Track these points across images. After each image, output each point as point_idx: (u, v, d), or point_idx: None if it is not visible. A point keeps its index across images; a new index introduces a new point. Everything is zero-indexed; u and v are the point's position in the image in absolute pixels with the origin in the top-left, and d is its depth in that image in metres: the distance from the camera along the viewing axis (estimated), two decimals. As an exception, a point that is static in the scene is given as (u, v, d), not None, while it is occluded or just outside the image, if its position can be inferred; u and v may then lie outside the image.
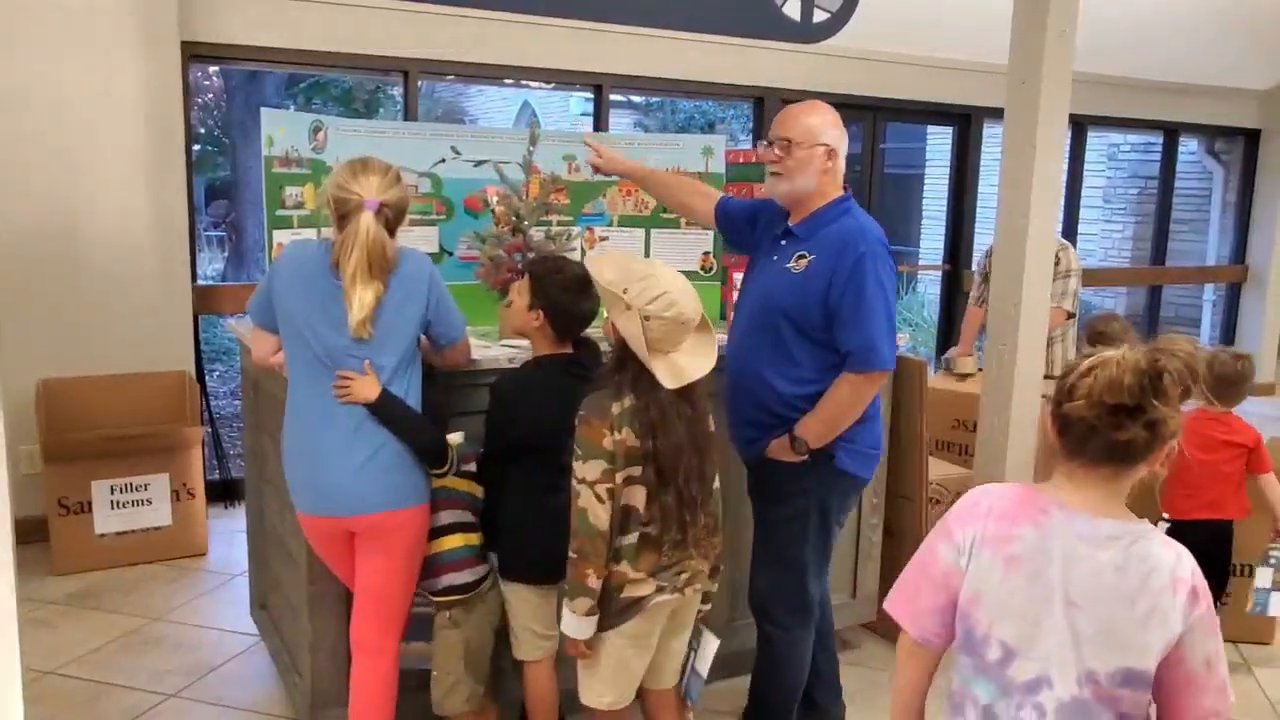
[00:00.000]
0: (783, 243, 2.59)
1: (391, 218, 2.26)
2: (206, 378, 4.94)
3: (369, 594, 2.39)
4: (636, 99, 14.11)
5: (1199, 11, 6.97)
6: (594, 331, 2.54)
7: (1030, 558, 1.47)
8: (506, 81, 5.94)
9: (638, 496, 2.17)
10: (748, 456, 2.67)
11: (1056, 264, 4.61)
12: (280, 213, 2.66)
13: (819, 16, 5.99)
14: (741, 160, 3.52)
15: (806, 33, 6.00)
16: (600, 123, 5.75)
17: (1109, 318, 4.39)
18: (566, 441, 2.27)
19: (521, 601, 2.51)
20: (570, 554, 2.18)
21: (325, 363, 2.28)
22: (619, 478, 2.16)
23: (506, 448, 2.43)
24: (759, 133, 6.26)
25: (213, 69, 12.04)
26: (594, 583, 2.16)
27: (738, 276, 3.25)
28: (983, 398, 3.79)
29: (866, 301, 2.40)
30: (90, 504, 4.06)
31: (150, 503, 4.18)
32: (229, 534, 4.51)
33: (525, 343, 2.88)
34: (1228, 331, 8.71)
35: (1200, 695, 1.42)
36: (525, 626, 2.52)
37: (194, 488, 4.28)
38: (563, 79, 5.66)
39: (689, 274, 3.28)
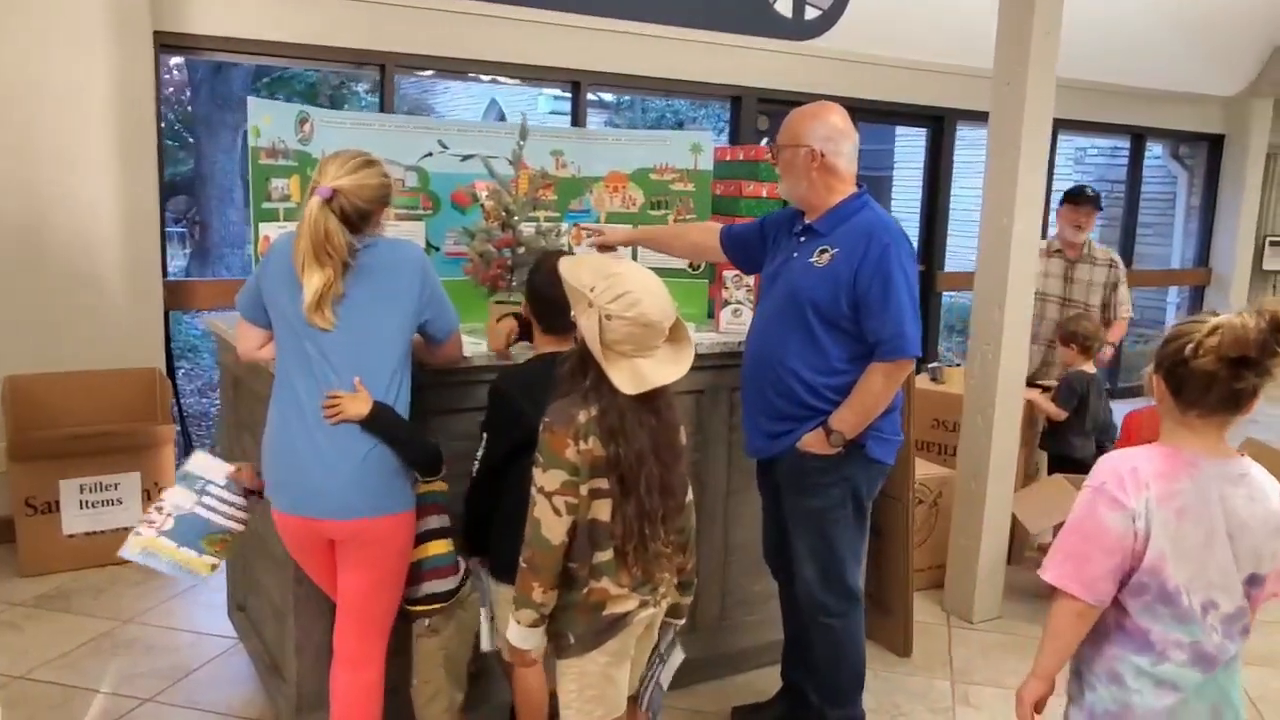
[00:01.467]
0: (802, 239, 2.65)
1: (348, 206, 2.20)
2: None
3: (352, 605, 2.32)
4: (607, 97, 14.11)
5: (1166, 20, 7.06)
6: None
7: (1194, 507, 1.72)
8: (484, 77, 5.87)
9: (605, 510, 2.08)
10: (774, 450, 2.68)
11: (1112, 266, 4.67)
12: (266, 205, 2.60)
13: (810, 14, 5.99)
14: (729, 158, 3.50)
15: (798, 30, 6.00)
16: (578, 119, 5.71)
17: (1080, 318, 4.44)
18: None
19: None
20: (520, 563, 2.10)
21: (314, 357, 2.23)
22: (584, 489, 2.06)
23: (510, 448, 2.38)
24: (735, 132, 6.26)
25: (175, 61, 11.85)
26: (539, 596, 2.08)
27: (726, 274, 3.23)
28: (966, 397, 3.81)
29: (893, 291, 2.47)
30: (58, 504, 3.96)
31: (120, 502, 4.09)
32: (200, 534, 4.42)
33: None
34: (1191, 333, 8.84)
35: (1276, 581, 1.79)
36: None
37: (165, 486, 4.17)
38: (540, 75, 5.62)
39: (676, 271, 3.27)
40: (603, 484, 2.05)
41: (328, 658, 2.50)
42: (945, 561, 3.97)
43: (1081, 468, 4.43)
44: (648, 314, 2.00)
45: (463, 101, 17.22)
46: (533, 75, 5.62)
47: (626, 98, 12.65)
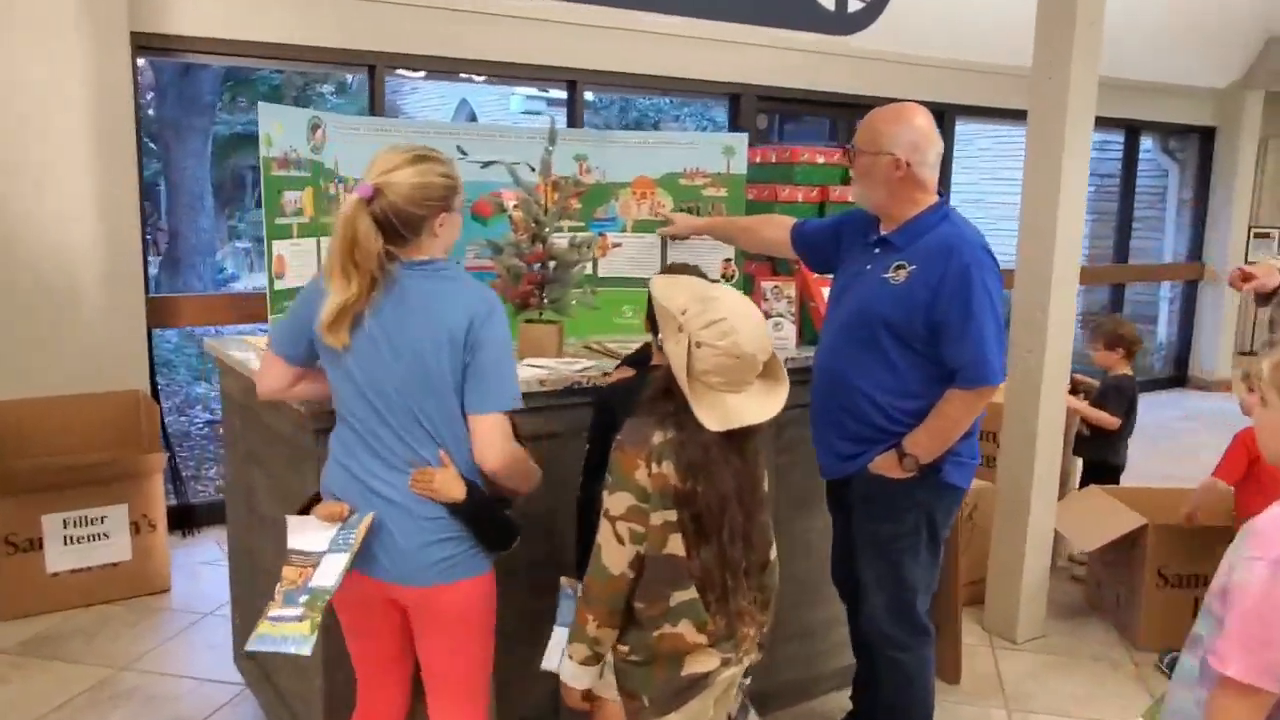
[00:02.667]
0: (876, 251, 2.47)
1: (389, 209, 1.85)
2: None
3: (439, 678, 2.06)
4: (561, 94, 13.88)
5: (1157, 11, 6.96)
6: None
7: None
8: (473, 77, 5.63)
9: (680, 546, 1.87)
10: (846, 471, 2.52)
11: None
12: (280, 221, 2.36)
13: (854, 6, 5.84)
14: (760, 160, 3.30)
15: (841, 23, 5.86)
16: (574, 120, 5.49)
17: (1120, 320, 4.35)
18: None
19: None
20: (580, 590, 1.94)
21: (375, 405, 1.92)
22: (656, 519, 1.86)
23: (600, 459, 2.16)
24: (734, 128, 6.07)
25: (139, 63, 11.48)
26: (594, 630, 1.90)
27: (765, 285, 3.04)
28: (1007, 405, 3.64)
29: (974, 314, 2.29)
30: (40, 540, 3.68)
31: (107, 536, 3.81)
32: (191, 567, 4.17)
33: (551, 361, 2.64)
34: (1184, 329, 8.79)
35: None
36: None
37: (155, 519, 3.92)
38: (537, 75, 5.39)
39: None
40: (674, 516, 1.86)
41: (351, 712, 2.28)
42: (983, 577, 3.80)
43: (1117, 473, 4.29)
44: (741, 345, 1.81)
45: (432, 102, 16.90)
46: (529, 75, 5.40)
47: (604, 97, 12.44)
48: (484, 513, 1.97)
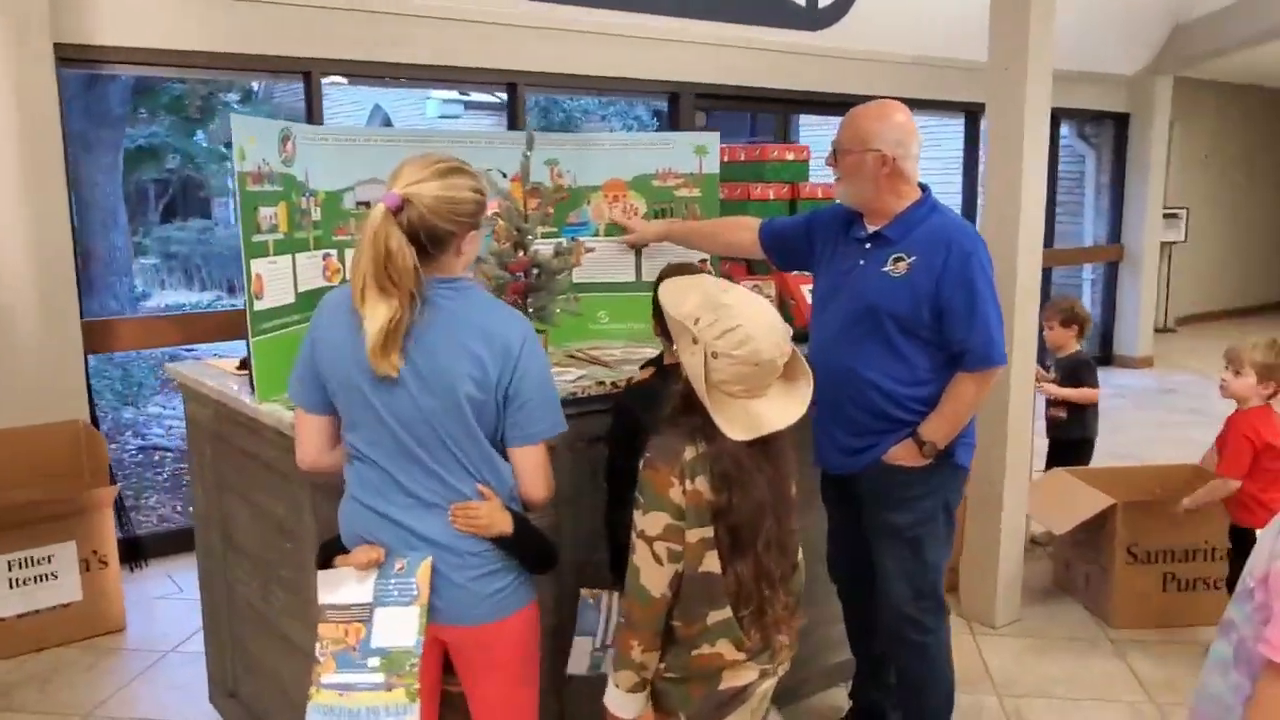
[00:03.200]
0: (867, 246, 2.48)
1: (419, 223, 1.73)
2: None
3: (496, 716, 1.96)
4: (498, 98, 13.70)
5: (1072, 2, 7.14)
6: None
7: None
8: (401, 81, 5.50)
9: (717, 563, 1.83)
10: (856, 466, 2.52)
11: None
12: (256, 238, 2.24)
13: (824, 2, 5.85)
14: (729, 159, 3.27)
15: (812, 20, 5.87)
16: (516, 124, 5.39)
17: (1074, 300, 4.47)
18: None
19: None
20: (619, 617, 1.89)
21: (404, 439, 1.79)
22: (692, 536, 1.81)
23: (625, 462, 2.13)
24: (672, 127, 6.05)
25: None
26: (639, 655, 1.84)
27: (744, 284, 3.00)
28: (976, 396, 3.67)
29: (978, 298, 2.36)
30: (-17, 585, 3.47)
31: (55, 576, 3.61)
32: (145, 603, 3.97)
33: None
34: (1107, 309, 9.06)
35: None
36: None
37: (106, 555, 3.72)
38: (476, 78, 5.28)
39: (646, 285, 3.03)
40: (710, 532, 1.81)
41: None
42: (956, 565, 3.84)
43: (1092, 446, 4.38)
44: (761, 352, 1.77)
45: (345, 108, 16.54)
46: (469, 78, 5.29)
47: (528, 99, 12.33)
48: (531, 540, 1.89)
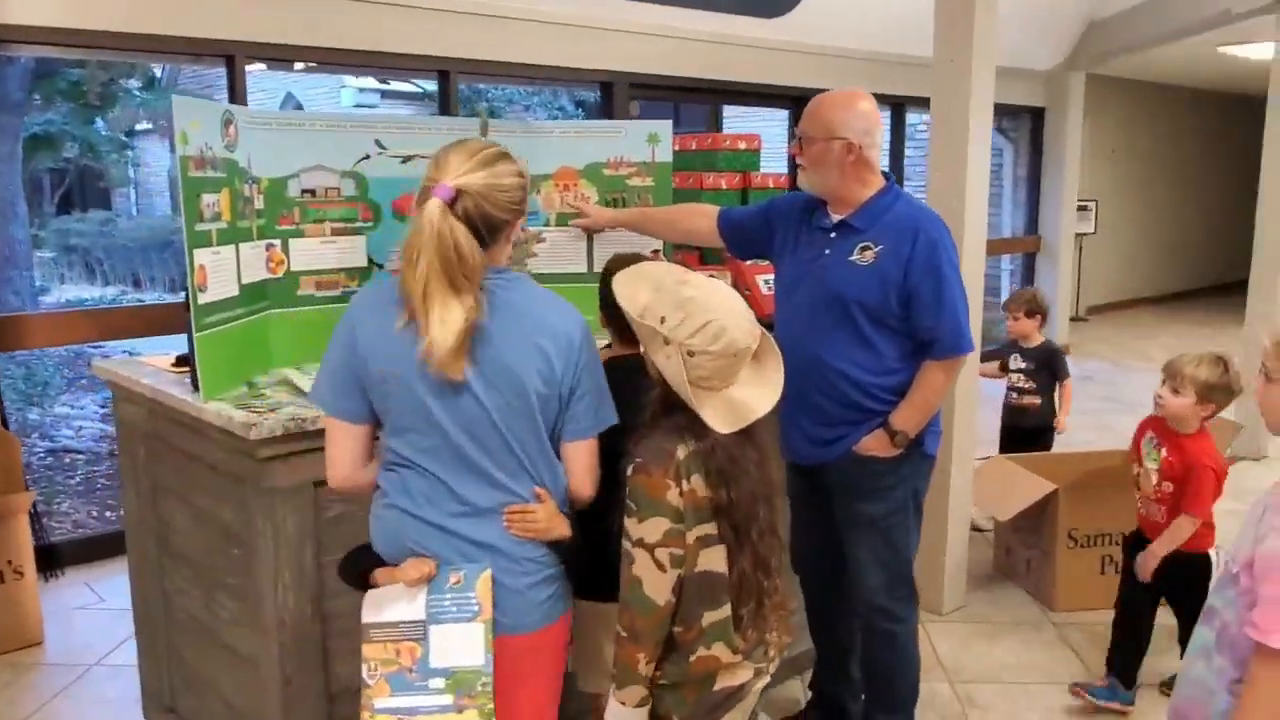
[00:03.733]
0: (833, 235, 2.45)
1: (476, 214, 1.64)
2: None
3: None
4: (419, 87, 13.40)
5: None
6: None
7: None
8: (371, 70, 5.32)
9: (718, 560, 1.78)
10: (826, 457, 2.49)
11: None
12: (199, 227, 2.11)
13: None
14: (680, 148, 3.22)
15: (771, 7, 5.80)
16: (448, 112, 5.26)
17: (1036, 291, 4.60)
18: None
19: (598, 617, 2.18)
20: (619, 632, 1.78)
21: (459, 441, 1.69)
22: (691, 537, 1.75)
23: None
24: (607, 118, 5.98)
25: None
26: (644, 668, 1.77)
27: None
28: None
29: (946, 286, 2.35)
30: (-113, 601, 3.24)
31: (-34, 589, 3.39)
32: (63, 614, 3.76)
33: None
34: (1025, 298, 9.28)
35: None
36: (606, 644, 2.17)
37: (21, 565, 3.50)
38: (408, 65, 5.13)
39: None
40: (710, 529, 1.75)
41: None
42: (902, 554, 3.87)
43: (1050, 436, 4.46)
44: (737, 342, 1.72)
45: (256, 96, 16.01)
46: (400, 65, 5.14)
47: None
48: (579, 548, 1.82)
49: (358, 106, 14.70)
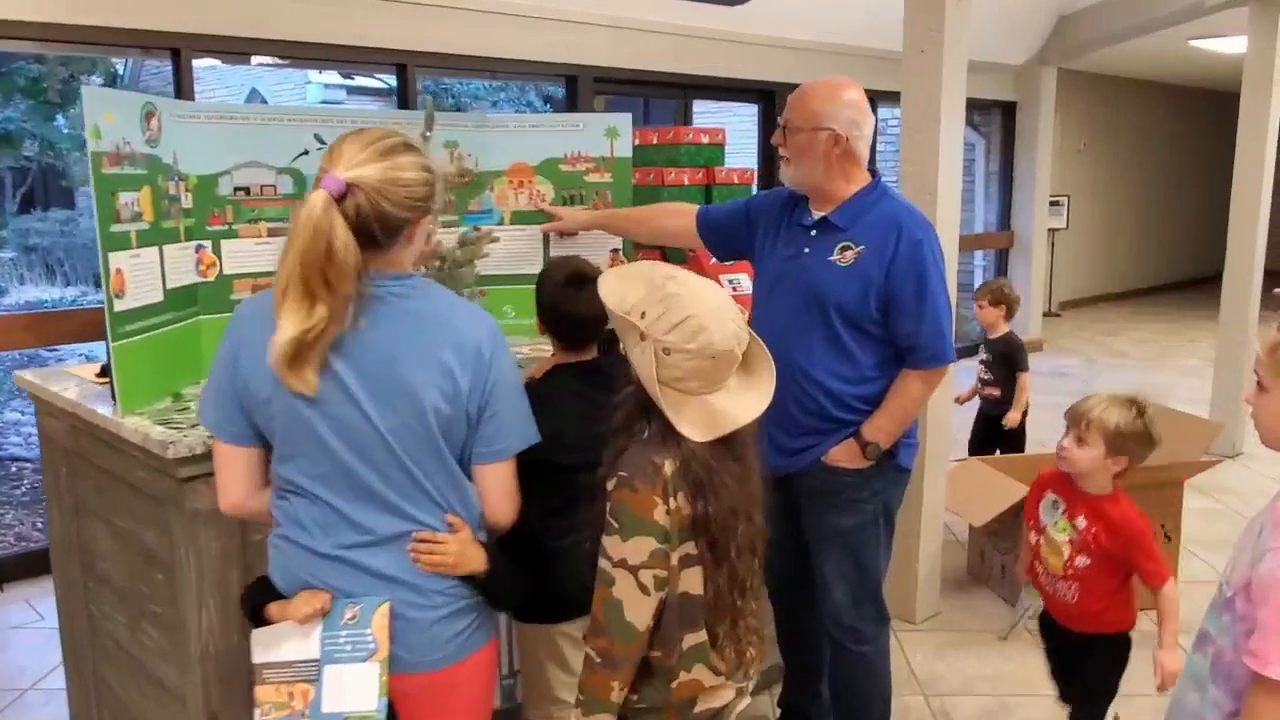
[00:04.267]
0: (813, 233, 2.32)
1: (369, 211, 1.47)
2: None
3: None
4: (384, 82, 13.16)
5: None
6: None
7: None
8: (266, 62, 5.15)
9: (696, 581, 1.67)
10: (794, 468, 2.37)
11: None
12: (116, 229, 1.95)
13: None
14: (641, 142, 3.09)
15: None
16: (407, 107, 5.10)
17: (1003, 282, 4.53)
18: (583, 458, 1.91)
19: (545, 643, 2.12)
20: (590, 655, 1.66)
21: (354, 465, 1.53)
22: (674, 558, 1.63)
23: (517, 466, 1.97)
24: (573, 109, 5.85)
25: None
26: (618, 695, 1.66)
27: (661, 275, 2.84)
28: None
29: (929, 291, 2.23)
30: None
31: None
32: (0, 633, 3.58)
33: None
34: (998, 294, 9.21)
35: None
36: (552, 669, 2.13)
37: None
38: (364, 58, 4.97)
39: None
40: (691, 549, 1.64)
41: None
42: (875, 560, 3.76)
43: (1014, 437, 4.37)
44: (715, 344, 1.59)
45: (218, 92, 15.75)
46: (354, 59, 4.97)
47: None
48: (507, 578, 1.68)
49: (324, 103, 14.47)
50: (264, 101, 15.33)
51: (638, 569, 1.61)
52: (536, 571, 2.14)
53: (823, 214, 2.31)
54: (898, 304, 2.22)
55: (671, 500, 1.61)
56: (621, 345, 1.69)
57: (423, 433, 1.55)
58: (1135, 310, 11.42)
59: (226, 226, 2.37)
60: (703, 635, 1.67)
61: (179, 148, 2.22)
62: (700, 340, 1.58)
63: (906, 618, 3.63)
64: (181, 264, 2.25)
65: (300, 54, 4.72)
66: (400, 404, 1.53)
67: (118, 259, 1.98)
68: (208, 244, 2.34)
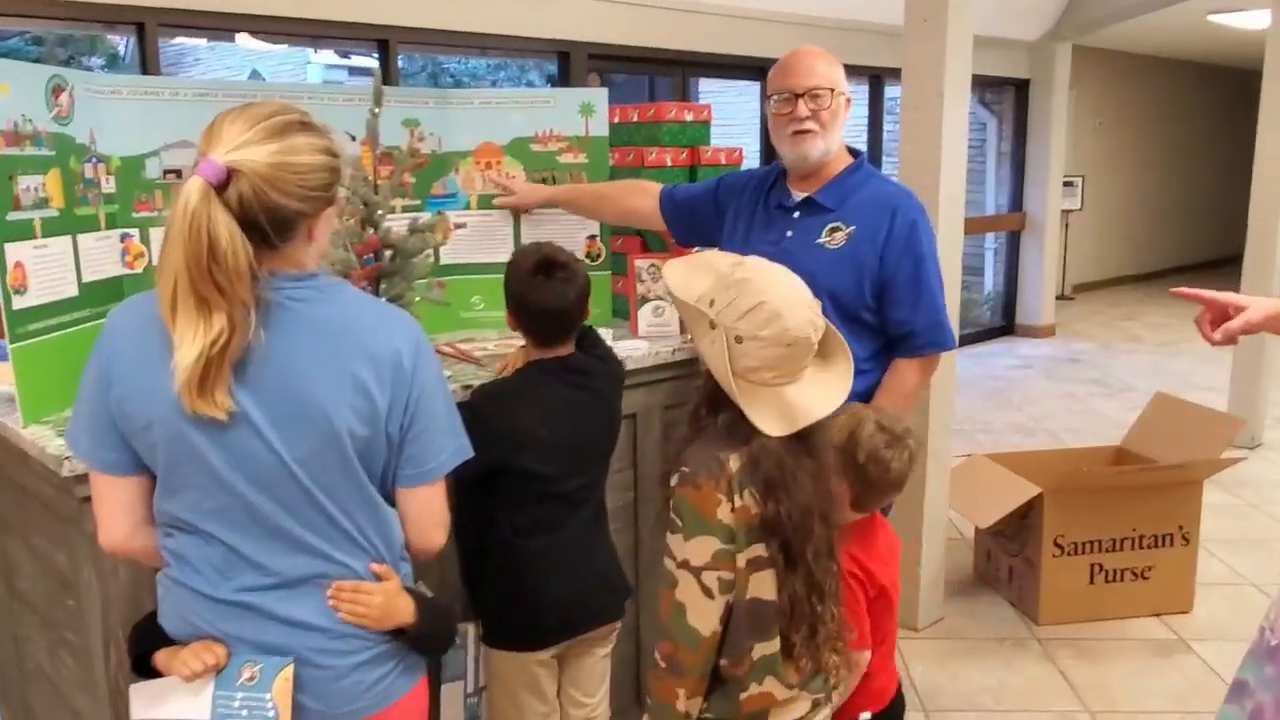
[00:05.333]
0: (796, 214, 2.15)
1: (254, 202, 1.24)
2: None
3: None
4: (364, 62, 12.93)
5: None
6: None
7: None
8: (261, 40, 4.93)
9: (768, 586, 1.55)
10: None
11: None
12: (14, 217, 1.75)
13: None
14: (620, 119, 2.87)
15: None
16: (390, 81, 4.87)
17: None
18: (561, 465, 1.93)
19: (517, 669, 1.99)
20: (656, 662, 1.59)
21: (254, 498, 1.33)
22: (742, 560, 1.54)
23: (483, 474, 1.85)
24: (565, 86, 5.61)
25: None
26: (684, 704, 1.58)
27: (639, 264, 2.62)
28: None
29: (925, 273, 2.09)
30: None
31: None
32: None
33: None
34: (1009, 279, 8.97)
35: None
36: (525, 697, 2.01)
37: None
38: (342, 33, 4.75)
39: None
40: (761, 551, 1.54)
41: None
42: (874, 563, 3.55)
43: None
44: (790, 330, 1.50)
45: (219, 73, 15.53)
46: (331, 34, 4.75)
47: (412, 61, 11.66)
48: (439, 625, 1.50)
49: (326, 83, 14.26)
50: (264, 82, 15.13)
51: (700, 570, 1.53)
52: (507, 598, 1.95)
53: (806, 194, 2.13)
54: (893, 289, 2.08)
55: (737, 498, 1.52)
56: (690, 336, 1.65)
57: (336, 460, 1.34)
58: (1152, 293, 11.14)
59: (156, 213, 2.16)
60: (775, 645, 1.56)
61: (96, 126, 2.02)
62: (775, 327, 1.49)
63: (908, 624, 3.42)
64: (103, 255, 2.04)
65: (274, 29, 4.52)
66: (308, 428, 1.32)
67: (17, 250, 1.77)
68: (135, 232, 2.13)
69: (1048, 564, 3.43)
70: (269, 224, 1.27)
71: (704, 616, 1.54)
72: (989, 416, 6.16)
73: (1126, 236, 11.72)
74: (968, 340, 8.42)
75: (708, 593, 1.53)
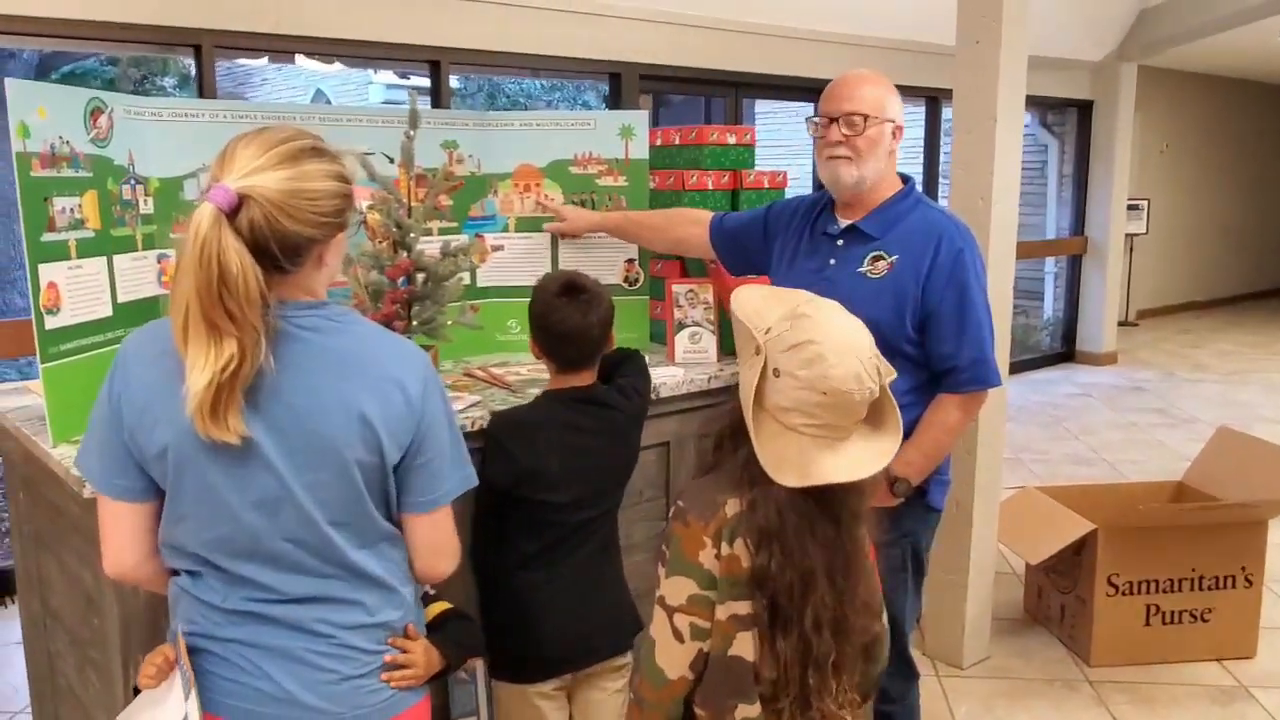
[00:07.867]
0: (839, 243, 2.11)
1: (265, 228, 1.24)
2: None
3: None
4: (423, 82, 13.12)
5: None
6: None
7: None
8: (326, 62, 5.00)
9: (748, 646, 1.45)
10: None
11: None
12: (49, 238, 1.77)
13: None
14: (662, 142, 2.84)
15: None
16: (440, 102, 4.92)
17: None
18: (571, 496, 1.91)
19: (521, 703, 1.96)
20: (631, 692, 1.60)
21: (261, 531, 1.32)
22: (722, 613, 1.45)
23: (494, 501, 1.90)
24: (616, 107, 5.61)
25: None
26: None
27: (677, 290, 2.59)
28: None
29: (971, 306, 2.01)
30: None
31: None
32: (4, 648, 3.47)
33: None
34: (1070, 304, 8.76)
35: None
36: None
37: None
38: (394, 55, 4.79)
39: (610, 287, 2.63)
40: (743, 609, 1.44)
41: None
42: (920, 597, 3.45)
43: None
44: (830, 378, 1.38)
45: (284, 93, 15.89)
46: (384, 55, 4.80)
47: (469, 83, 11.79)
48: (464, 643, 1.56)
49: (386, 103, 14.48)
50: (328, 103, 15.42)
51: (674, 611, 1.46)
52: (508, 627, 1.93)
53: (851, 221, 2.08)
54: (936, 321, 2.01)
55: (725, 545, 1.43)
56: (738, 357, 1.56)
57: (345, 491, 1.33)
58: (1220, 320, 10.81)
59: (192, 234, 2.17)
60: (755, 709, 1.46)
61: (136, 147, 2.03)
62: (814, 370, 1.38)
63: (953, 662, 3.32)
64: (139, 276, 2.05)
65: (328, 50, 4.57)
66: (316, 459, 1.31)
67: (51, 271, 1.79)
68: (171, 253, 2.15)
69: (1100, 603, 3.31)
70: (280, 250, 1.27)
71: (671, 659, 1.47)
72: (1046, 445, 6.00)
73: (1193, 261, 11.39)
74: (1026, 366, 8.23)
75: (677, 636, 1.46)
